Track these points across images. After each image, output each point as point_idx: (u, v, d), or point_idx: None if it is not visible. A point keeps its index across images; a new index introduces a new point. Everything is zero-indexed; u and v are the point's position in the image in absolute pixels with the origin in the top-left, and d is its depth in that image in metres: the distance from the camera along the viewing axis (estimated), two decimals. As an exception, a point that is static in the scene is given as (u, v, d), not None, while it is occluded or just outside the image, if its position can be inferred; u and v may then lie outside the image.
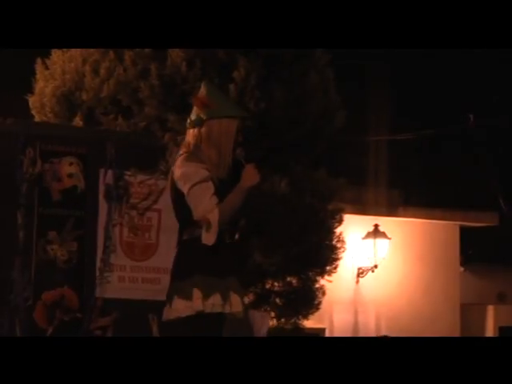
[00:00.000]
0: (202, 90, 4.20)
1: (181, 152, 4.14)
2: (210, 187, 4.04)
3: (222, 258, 4.06)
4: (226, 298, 4.01)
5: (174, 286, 4.05)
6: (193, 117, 4.15)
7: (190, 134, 4.14)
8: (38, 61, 6.99)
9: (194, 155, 4.09)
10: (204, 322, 3.96)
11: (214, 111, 4.13)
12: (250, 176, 4.09)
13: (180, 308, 3.99)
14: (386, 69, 13.39)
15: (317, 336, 9.62)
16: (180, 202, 4.07)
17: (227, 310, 4.00)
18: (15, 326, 4.45)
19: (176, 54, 6.44)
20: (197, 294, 3.97)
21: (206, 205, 4.02)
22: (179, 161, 4.08)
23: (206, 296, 3.96)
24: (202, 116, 4.11)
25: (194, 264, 4.04)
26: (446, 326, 11.63)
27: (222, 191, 4.04)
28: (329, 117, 6.83)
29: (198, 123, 4.11)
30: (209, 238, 4.02)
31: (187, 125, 4.18)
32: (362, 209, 11.26)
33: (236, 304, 4.05)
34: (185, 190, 4.06)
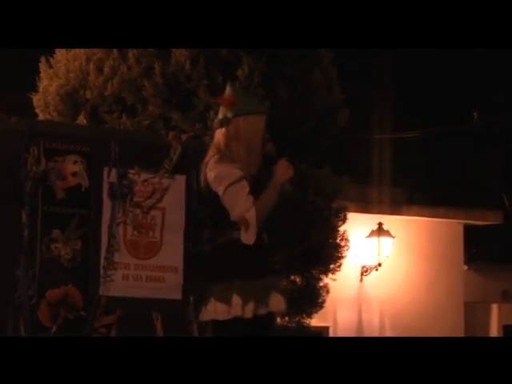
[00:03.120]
0: (228, 90, 4.23)
1: (211, 153, 4.16)
2: (244, 186, 4.05)
3: (261, 257, 4.04)
4: (265, 300, 3.98)
5: (211, 289, 4.06)
6: (220, 116, 4.19)
7: (219, 134, 4.18)
8: (42, 59, 7.00)
9: (224, 156, 4.11)
10: (242, 327, 3.95)
11: (240, 109, 4.16)
12: (284, 170, 4.14)
13: (218, 311, 3.98)
14: (391, 67, 13.38)
15: (320, 335, 9.61)
16: (215, 203, 4.09)
17: (267, 311, 3.97)
18: (19, 324, 4.45)
19: (180, 53, 6.44)
20: (236, 299, 3.96)
21: (242, 204, 4.03)
22: (211, 163, 4.11)
23: (245, 301, 3.95)
24: (228, 115, 4.13)
25: (232, 268, 4.03)
26: (449, 324, 11.62)
27: (255, 189, 4.04)
28: (333, 115, 6.83)
29: (225, 122, 4.14)
30: (248, 237, 4.05)
31: (214, 125, 4.22)
32: (365, 207, 11.27)
33: (277, 303, 4.02)
34: (220, 191, 4.07)
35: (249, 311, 3.94)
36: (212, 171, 4.09)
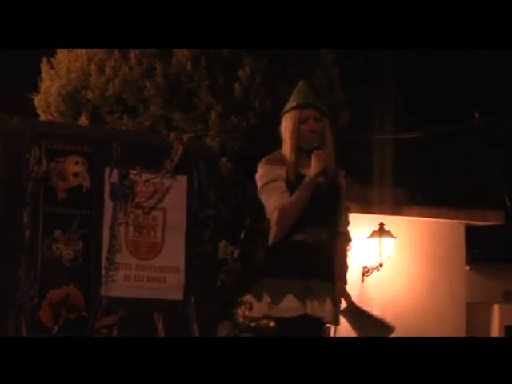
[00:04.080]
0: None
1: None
2: (277, 187, 4.04)
3: (307, 259, 4.01)
4: (303, 301, 3.95)
5: (267, 284, 4.05)
6: None
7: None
8: (44, 60, 7.01)
9: (273, 156, 4.13)
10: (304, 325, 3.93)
11: (288, 105, 4.19)
12: (314, 164, 4.00)
13: (293, 308, 3.95)
14: (392, 67, 13.37)
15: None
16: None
17: (304, 312, 3.93)
18: (21, 324, 4.45)
19: (181, 53, 6.44)
20: (290, 298, 3.96)
21: (270, 205, 4.06)
22: (259, 164, 4.15)
23: (276, 299, 3.95)
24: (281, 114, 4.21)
25: (291, 265, 4.01)
26: (451, 324, 11.62)
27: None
28: (334, 115, 6.82)
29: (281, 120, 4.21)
30: (270, 238, 4.07)
31: None
32: (367, 207, 11.26)
33: (317, 308, 3.96)
34: (258, 192, 4.11)
35: (320, 310, 3.94)
36: (257, 173, 4.15)
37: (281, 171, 4.04)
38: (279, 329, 4.07)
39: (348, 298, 4.22)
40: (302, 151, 4.07)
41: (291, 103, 4.22)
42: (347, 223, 4.30)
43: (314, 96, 4.27)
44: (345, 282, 4.23)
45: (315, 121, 4.11)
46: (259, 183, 4.12)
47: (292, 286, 3.97)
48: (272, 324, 4.28)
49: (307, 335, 3.88)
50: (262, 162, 4.14)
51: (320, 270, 4.04)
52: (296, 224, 4.01)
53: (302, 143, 4.09)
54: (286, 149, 4.09)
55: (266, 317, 4.09)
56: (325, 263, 4.08)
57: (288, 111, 4.19)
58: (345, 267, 4.27)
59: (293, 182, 4.02)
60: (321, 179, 4.00)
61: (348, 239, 4.34)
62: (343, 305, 4.16)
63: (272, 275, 4.08)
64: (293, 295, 3.95)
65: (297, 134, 4.09)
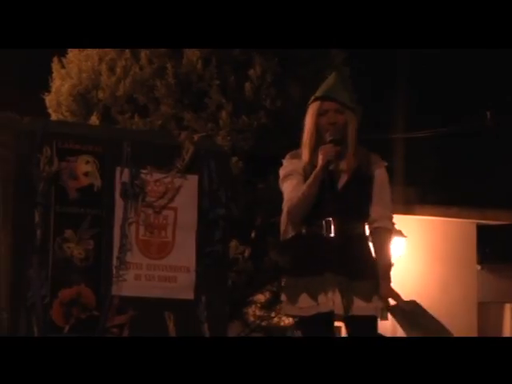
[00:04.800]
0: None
1: None
2: (291, 180, 4.02)
3: (319, 253, 3.93)
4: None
5: (285, 282, 3.98)
6: None
7: None
8: (55, 59, 7.02)
9: (296, 151, 4.10)
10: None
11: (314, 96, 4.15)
12: (321, 156, 3.93)
13: (306, 306, 3.89)
14: (403, 66, 13.35)
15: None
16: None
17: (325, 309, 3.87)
18: (32, 323, 4.46)
19: (192, 53, 6.45)
20: (304, 297, 3.90)
21: (284, 198, 4.06)
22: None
23: (292, 298, 3.90)
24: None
25: (302, 260, 3.96)
26: (463, 324, 11.58)
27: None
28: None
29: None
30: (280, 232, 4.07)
31: None
32: (378, 207, 11.22)
33: (330, 303, 3.90)
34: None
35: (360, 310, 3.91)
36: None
37: (298, 164, 4.01)
38: (299, 328, 4.03)
39: (395, 296, 4.08)
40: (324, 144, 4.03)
41: (313, 96, 4.21)
42: (385, 216, 4.04)
43: (340, 88, 4.18)
44: (384, 279, 4.06)
45: (336, 113, 4.08)
46: (280, 177, 4.10)
47: (305, 283, 3.92)
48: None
49: (325, 334, 3.83)
50: (287, 155, 4.14)
51: (337, 263, 3.93)
52: (307, 218, 3.97)
53: (322, 135, 4.05)
54: (303, 141, 4.09)
55: (290, 316, 4.06)
56: (345, 257, 3.94)
57: (309, 103, 4.18)
58: (383, 263, 4.06)
59: (309, 175, 3.98)
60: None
61: (385, 233, 4.05)
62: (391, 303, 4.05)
63: (285, 272, 4.05)
64: (306, 294, 3.91)
65: (315, 126, 4.07)
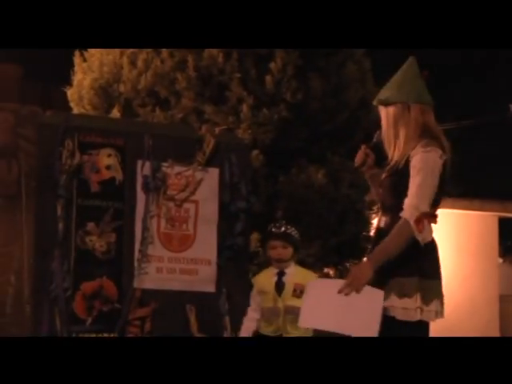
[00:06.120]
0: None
1: None
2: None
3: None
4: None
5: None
6: None
7: None
8: (77, 53, 7.04)
9: None
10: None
11: None
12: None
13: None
14: (424, 58, 13.28)
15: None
16: None
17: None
18: (55, 315, 4.49)
19: (213, 46, 6.43)
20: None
21: None
22: None
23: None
24: None
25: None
26: (484, 317, 11.54)
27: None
28: (366, 107, 6.79)
29: None
30: None
31: None
32: (399, 200, 11.19)
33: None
34: None
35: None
36: None
37: None
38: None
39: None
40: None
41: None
42: (409, 205, 3.84)
43: (396, 85, 4.19)
44: (369, 258, 3.83)
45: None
46: None
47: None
48: None
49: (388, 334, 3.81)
50: None
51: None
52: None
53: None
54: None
55: None
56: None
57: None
58: (380, 246, 3.80)
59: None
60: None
61: (401, 223, 3.83)
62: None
63: None
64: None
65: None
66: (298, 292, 4.60)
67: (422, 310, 3.81)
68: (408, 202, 3.87)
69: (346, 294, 3.64)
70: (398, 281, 3.80)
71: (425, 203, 3.88)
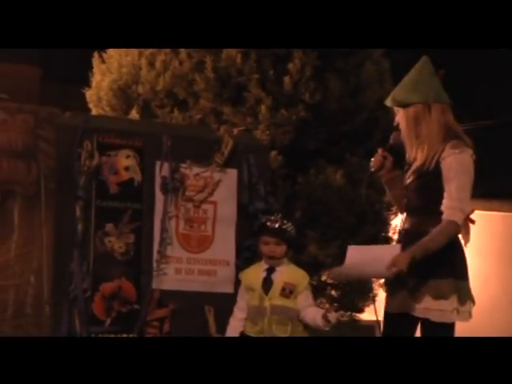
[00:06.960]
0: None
1: None
2: None
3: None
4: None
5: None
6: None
7: None
8: (95, 55, 7.06)
9: None
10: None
11: None
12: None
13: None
14: (442, 59, 13.24)
15: (371, 329, 9.58)
16: None
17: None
18: (74, 317, 4.51)
19: (231, 47, 6.44)
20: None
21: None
22: None
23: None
24: None
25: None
26: (504, 318, 11.48)
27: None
28: (384, 108, 6.76)
29: None
30: None
31: None
32: (418, 200, 11.15)
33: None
34: None
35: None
36: None
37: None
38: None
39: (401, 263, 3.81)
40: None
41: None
42: (450, 207, 3.84)
43: (412, 85, 4.20)
44: (412, 250, 3.81)
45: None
46: None
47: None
48: None
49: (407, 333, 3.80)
50: None
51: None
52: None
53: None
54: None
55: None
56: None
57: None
58: (425, 239, 3.81)
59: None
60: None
61: (445, 223, 3.83)
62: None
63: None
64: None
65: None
66: (287, 292, 4.35)
67: (458, 312, 3.79)
68: (449, 204, 3.86)
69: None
70: (434, 282, 3.79)
71: (468, 205, 3.93)
